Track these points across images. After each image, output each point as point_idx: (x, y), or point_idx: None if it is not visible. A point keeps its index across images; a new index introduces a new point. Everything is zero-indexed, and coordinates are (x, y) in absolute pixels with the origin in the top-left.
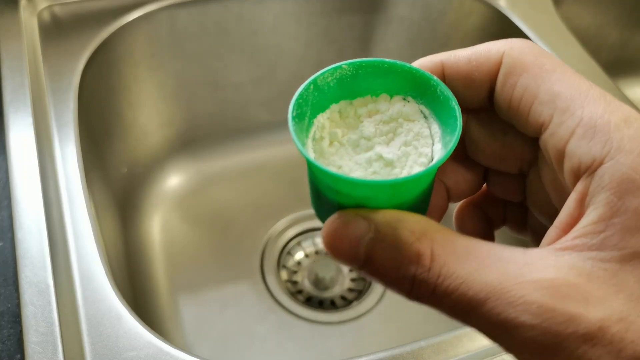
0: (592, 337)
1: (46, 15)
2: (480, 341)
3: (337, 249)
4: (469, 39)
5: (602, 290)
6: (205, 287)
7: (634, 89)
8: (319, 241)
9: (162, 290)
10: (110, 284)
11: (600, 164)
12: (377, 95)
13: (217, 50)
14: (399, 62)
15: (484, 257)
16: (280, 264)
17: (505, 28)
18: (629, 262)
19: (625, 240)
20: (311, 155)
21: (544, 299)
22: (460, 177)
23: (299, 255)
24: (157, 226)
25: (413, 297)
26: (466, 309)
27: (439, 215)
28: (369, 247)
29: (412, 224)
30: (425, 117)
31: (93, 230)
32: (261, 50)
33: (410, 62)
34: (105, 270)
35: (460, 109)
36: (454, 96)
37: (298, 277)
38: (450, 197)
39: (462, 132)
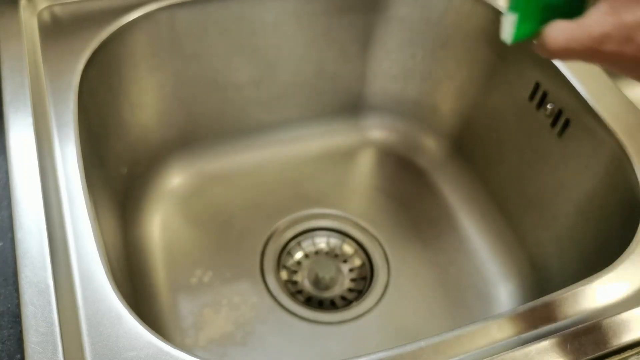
0: (604, 39)
1: (46, 15)
2: (479, 341)
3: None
4: (469, 40)
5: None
6: (206, 286)
7: (635, 89)
8: (318, 241)
9: (162, 290)
10: (110, 284)
11: None
12: None
13: (217, 50)
14: None
15: (578, 25)
16: (280, 264)
17: None
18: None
19: None
20: None
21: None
22: None
23: (299, 255)
24: (157, 226)
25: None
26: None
27: None
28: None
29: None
30: None
31: (93, 230)
32: (261, 50)
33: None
34: (105, 270)
35: None
36: None
37: (298, 277)
38: None
39: None
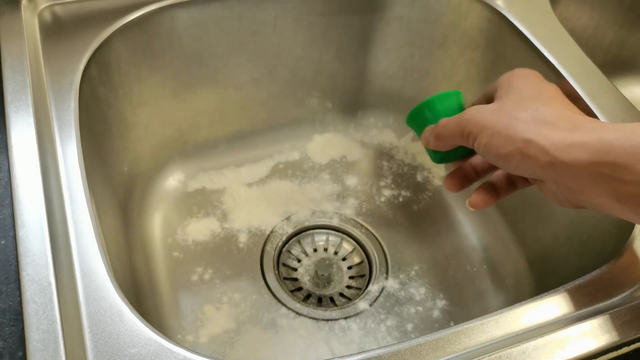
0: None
1: (47, 15)
2: (476, 338)
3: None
4: (467, 39)
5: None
6: (206, 284)
7: (631, 88)
8: (317, 239)
9: (163, 288)
10: (112, 282)
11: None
12: None
13: (217, 50)
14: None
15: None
16: (279, 262)
17: (502, 28)
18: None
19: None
20: None
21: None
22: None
23: (299, 252)
24: (158, 224)
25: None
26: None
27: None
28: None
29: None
30: None
31: (94, 229)
32: (261, 50)
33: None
34: (106, 268)
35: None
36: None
37: (297, 275)
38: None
39: None
